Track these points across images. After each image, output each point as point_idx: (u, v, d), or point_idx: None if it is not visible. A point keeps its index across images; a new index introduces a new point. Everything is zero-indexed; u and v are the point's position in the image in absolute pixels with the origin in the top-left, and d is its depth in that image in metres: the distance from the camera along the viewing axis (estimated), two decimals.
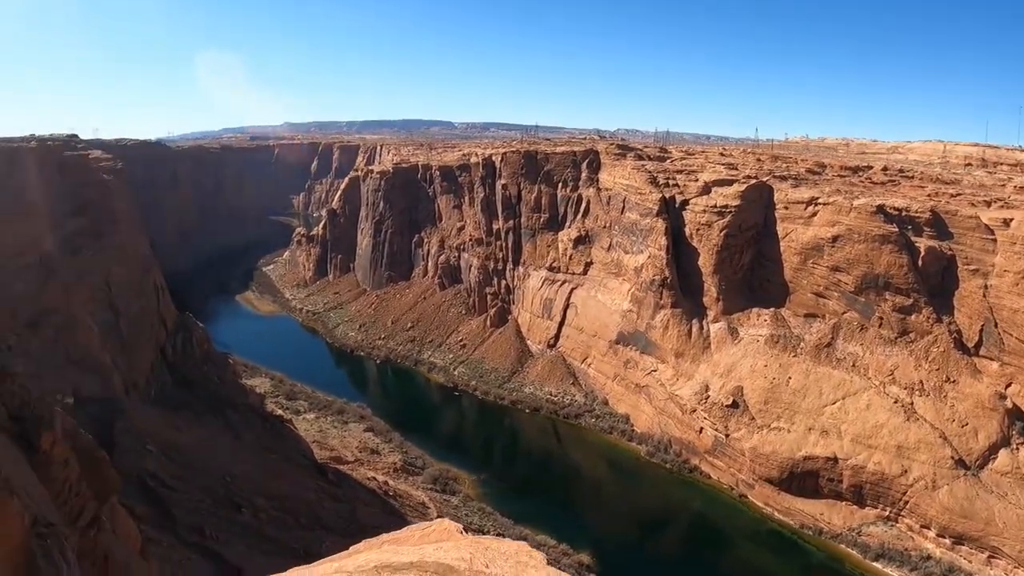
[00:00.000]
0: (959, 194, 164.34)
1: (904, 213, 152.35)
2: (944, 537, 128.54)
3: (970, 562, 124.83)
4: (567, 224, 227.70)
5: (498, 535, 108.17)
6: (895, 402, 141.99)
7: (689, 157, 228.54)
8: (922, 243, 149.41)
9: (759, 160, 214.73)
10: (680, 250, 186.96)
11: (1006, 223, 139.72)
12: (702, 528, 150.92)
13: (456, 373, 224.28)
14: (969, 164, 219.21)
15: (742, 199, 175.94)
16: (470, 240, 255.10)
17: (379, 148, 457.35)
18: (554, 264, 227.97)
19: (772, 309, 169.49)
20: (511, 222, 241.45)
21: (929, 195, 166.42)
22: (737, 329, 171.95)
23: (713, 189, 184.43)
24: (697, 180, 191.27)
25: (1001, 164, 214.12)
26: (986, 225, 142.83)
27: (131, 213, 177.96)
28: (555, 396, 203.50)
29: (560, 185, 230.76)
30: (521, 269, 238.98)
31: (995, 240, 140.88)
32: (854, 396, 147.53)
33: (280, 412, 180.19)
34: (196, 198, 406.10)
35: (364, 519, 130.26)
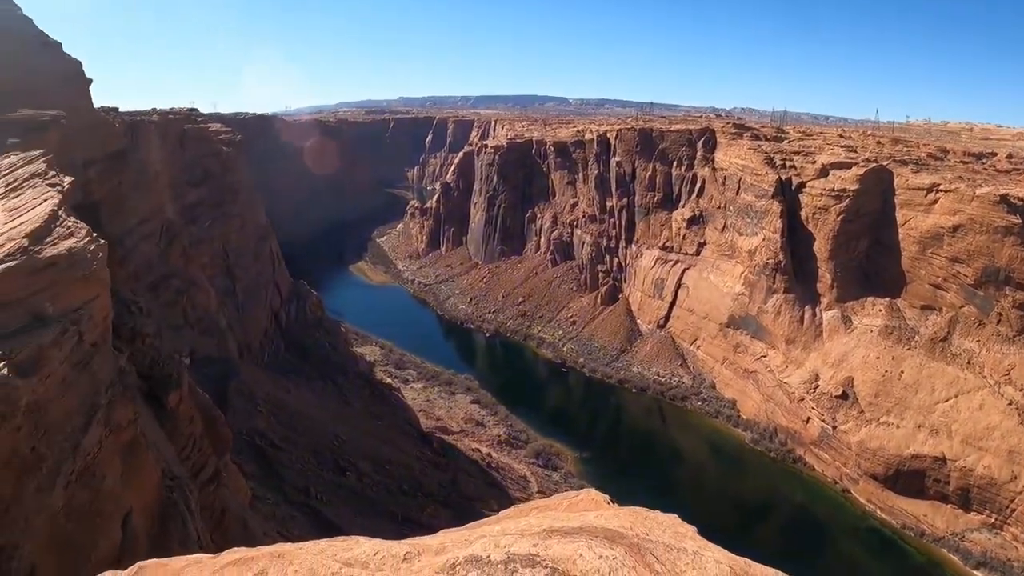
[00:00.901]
0: None
1: None
2: None
3: None
4: (681, 203, 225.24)
5: None
6: (1009, 403, 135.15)
7: (807, 138, 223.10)
8: None
9: (879, 143, 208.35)
10: (795, 234, 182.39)
11: None
12: (802, 521, 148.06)
13: (565, 349, 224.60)
14: None
15: (860, 183, 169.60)
16: (583, 217, 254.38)
17: (493, 123, 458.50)
18: (667, 243, 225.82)
19: (887, 299, 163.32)
20: (625, 200, 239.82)
21: None
22: (851, 318, 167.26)
23: (831, 172, 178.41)
24: (815, 162, 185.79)
25: None
26: None
27: (249, 183, 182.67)
28: (662, 377, 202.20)
29: (675, 164, 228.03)
30: (634, 247, 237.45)
31: None
32: (967, 395, 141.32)
33: (389, 380, 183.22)
34: (312, 170, 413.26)
35: (465, 489, 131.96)
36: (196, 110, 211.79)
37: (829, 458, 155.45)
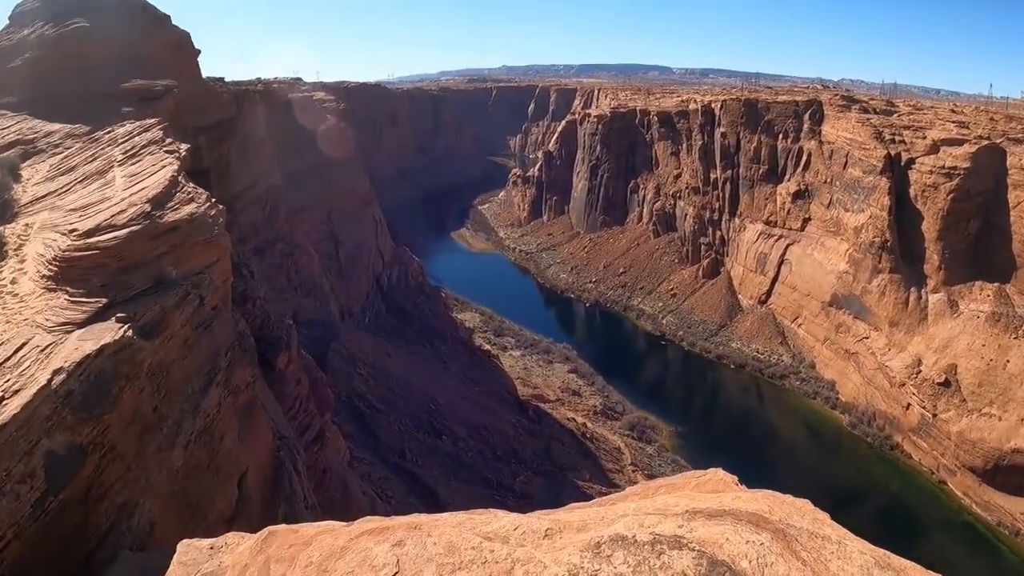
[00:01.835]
0: None
1: None
2: None
3: None
4: (786, 177, 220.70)
5: None
6: None
7: (917, 112, 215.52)
8: None
9: (992, 119, 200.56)
10: (903, 212, 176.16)
11: None
12: (896, 511, 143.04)
13: (664, 322, 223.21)
14: None
15: (972, 161, 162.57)
16: (686, 188, 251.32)
17: (596, 92, 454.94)
18: (771, 218, 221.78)
19: (996, 284, 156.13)
20: (729, 172, 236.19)
21: None
22: (957, 302, 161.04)
23: (942, 149, 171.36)
24: (925, 138, 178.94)
25: None
26: None
27: (352, 151, 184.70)
28: (761, 354, 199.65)
29: (780, 136, 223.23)
30: (737, 221, 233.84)
31: None
32: None
33: (487, 347, 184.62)
34: (415, 138, 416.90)
35: (559, 458, 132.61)
36: (300, 79, 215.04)
37: (927, 447, 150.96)
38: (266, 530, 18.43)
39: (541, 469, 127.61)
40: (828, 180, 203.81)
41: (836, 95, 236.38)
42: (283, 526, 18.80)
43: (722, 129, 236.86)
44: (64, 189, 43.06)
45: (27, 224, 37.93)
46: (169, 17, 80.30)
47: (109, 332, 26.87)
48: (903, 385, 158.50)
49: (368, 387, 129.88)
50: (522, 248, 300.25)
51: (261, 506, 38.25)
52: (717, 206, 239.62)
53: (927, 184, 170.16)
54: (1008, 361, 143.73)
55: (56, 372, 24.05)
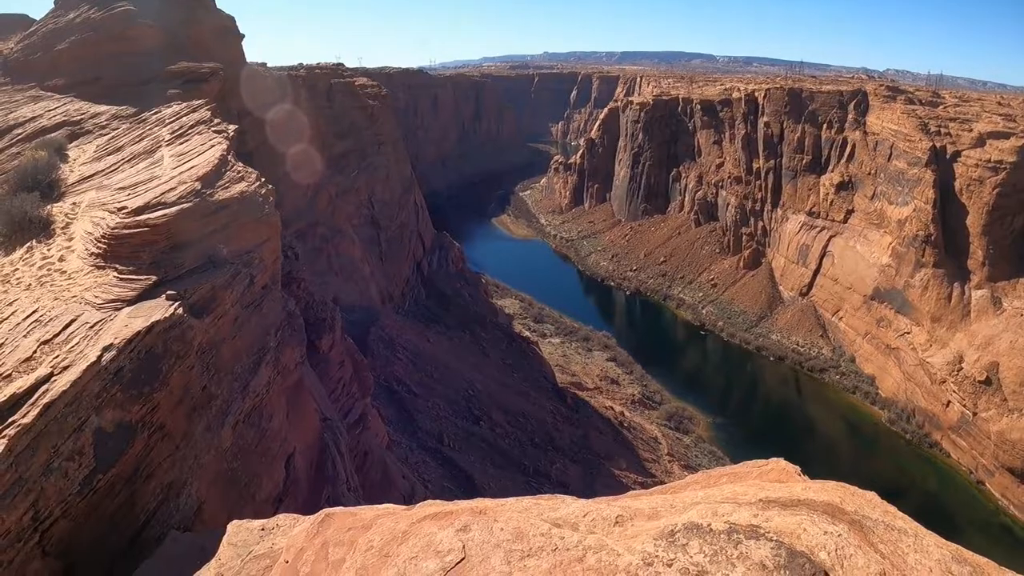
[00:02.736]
0: None
1: None
2: None
3: None
4: (830, 168, 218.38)
5: None
6: None
7: (963, 104, 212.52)
8: None
9: None
10: (947, 206, 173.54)
11: None
12: (933, 510, 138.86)
13: (704, 312, 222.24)
14: None
15: (1019, 155, 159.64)
16: (728, 178, 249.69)
17: (638, 79, 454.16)
18: (813, 209, 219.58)
19: None
20: (772, 162, 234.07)
21: None
22: (1001, 299, 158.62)
23: (988, 142, 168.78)
24: (971, 130, 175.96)
25: None
26: None
27: (394, 136, 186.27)
28: (801, 347, 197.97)
29: (824, 126, 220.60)
30: (779, 211, 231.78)
31: None
32: None
33: (527, 334, 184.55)
34: (457, 124, 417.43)
35: (595, 446, 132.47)
36: (342, 64, 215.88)
37: (967, 446, 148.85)
38: (322, 512, 18.16)
39: (578, 457, 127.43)
40: (872, 172, 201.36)
41: (881, 85, 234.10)
42: (340, 508, 18.53)
43: (765, 118, 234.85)
44: (111, 169, 43.16)
45: (75, 203, 37.97)
46: (214, 1, 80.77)
47: (159, 310, 26.72)
48: (944, 382, 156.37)
49: (407, 372, 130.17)
50: (563, 235, 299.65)
51: (307, 487, 38.23)
52: (759, 196, 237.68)
53: (972, 178, 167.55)
54: None
55: (106, 349, 23.90)
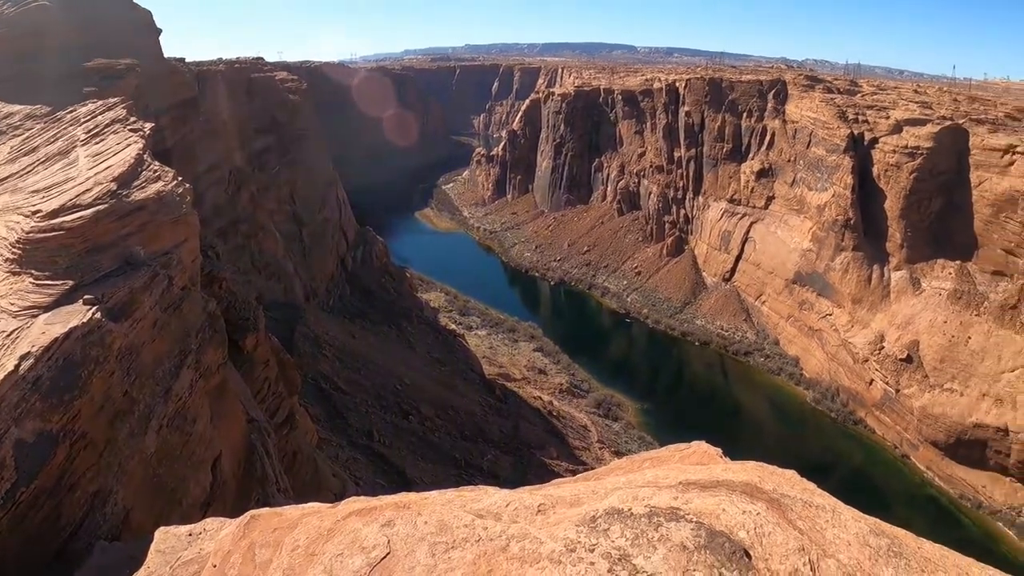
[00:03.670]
0: None
1: None
2: None
3: None
4: (750, 156, 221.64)
5: None
6: None
7: (880, 92, 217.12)
8: None
9: (955, 100, 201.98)
10: (866, 191, 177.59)
11: None
12: (860, 484, 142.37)
13: (629, 300, 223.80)
14: None
15: (935, 141, 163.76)
16: (650, 167, 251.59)
17: (560, 71, 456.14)
18: (735, 196, 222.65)
19: (958, 262, 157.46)
20: (693, 151, 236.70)
21: None
22: (919, 280, 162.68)
23: (904, 128, 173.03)
24: (888, 118, 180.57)
25: None
26: None
27: (315, 131, 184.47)
28: (726, 331, 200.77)
29: (744, 115, 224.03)
30: (701, 199, 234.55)
31: None
32: None
33: (453, 327, 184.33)
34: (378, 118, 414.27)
35: (526, 436, 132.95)
36: (262, 59, 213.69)
37: (890, 422, 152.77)
38: (248, 514, 18.00)
39: (508, 448, 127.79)
40: (792, 159, 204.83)
41: (800, 75, 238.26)
42: (266, 509, 18.40)
43: (686, 108, 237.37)
44: (25, 171, 42.20)
45: None
46: None
47: (76, 315, 26.25)
48: (866, 361, 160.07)
49: (334, 369, 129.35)
50: (486, 227, 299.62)
51: (235, 490, 37.75)
52: (681, 184, 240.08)
53: (890, 163, 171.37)
54: (969, 337, 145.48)
55: (23, 357, 23.41)
